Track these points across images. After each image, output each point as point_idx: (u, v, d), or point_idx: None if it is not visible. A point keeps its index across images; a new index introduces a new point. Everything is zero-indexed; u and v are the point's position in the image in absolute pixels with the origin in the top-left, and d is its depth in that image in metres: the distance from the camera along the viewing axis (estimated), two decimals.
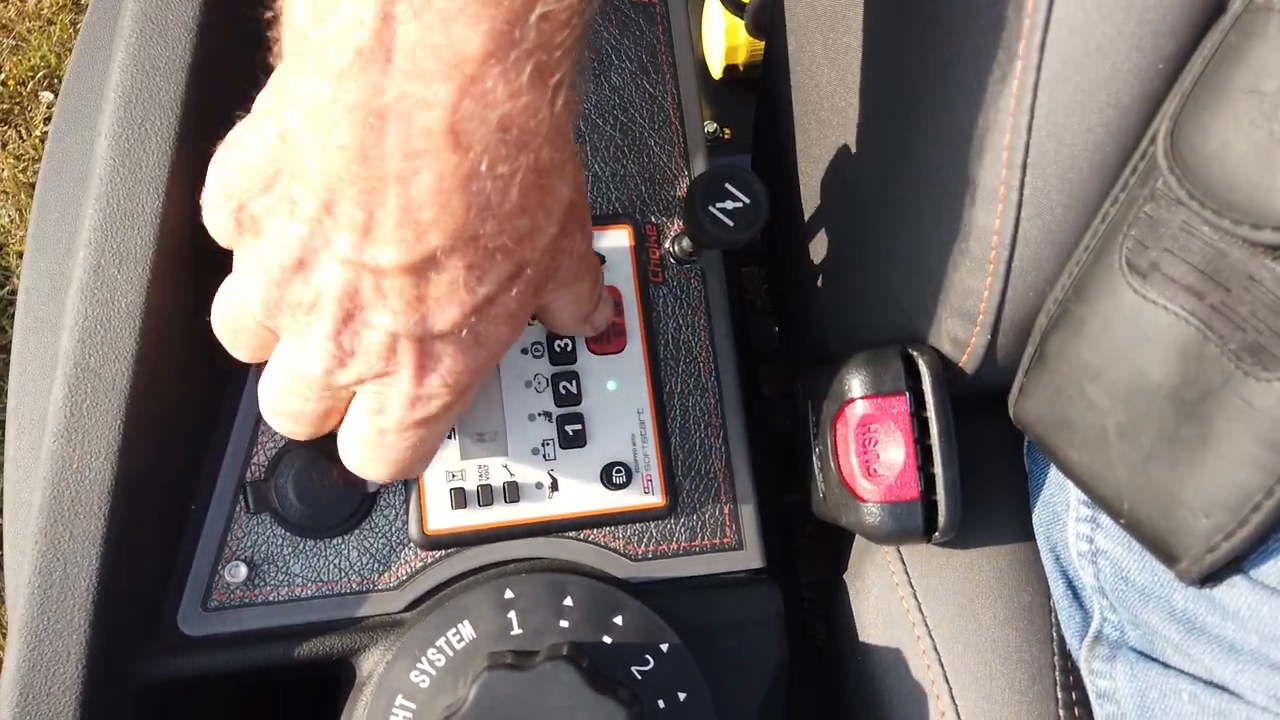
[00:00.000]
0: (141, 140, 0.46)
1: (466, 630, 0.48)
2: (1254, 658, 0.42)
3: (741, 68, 1.00)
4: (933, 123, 0.47)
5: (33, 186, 1.45)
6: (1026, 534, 0.56)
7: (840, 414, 0.53)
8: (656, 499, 0.55)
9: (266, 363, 0.51)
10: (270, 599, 0.51)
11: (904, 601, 0.55)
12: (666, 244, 0.57)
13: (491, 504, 0.53)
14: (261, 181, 0.38)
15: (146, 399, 0.47)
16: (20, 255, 1.42)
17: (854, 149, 0.55)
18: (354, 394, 0.42)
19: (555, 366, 0.55)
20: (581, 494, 0.54)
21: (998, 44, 0.42)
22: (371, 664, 0.51)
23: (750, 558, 0.55)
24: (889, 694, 0.54)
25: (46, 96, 1.51)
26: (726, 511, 0.56)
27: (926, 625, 0.54)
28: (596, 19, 0.38)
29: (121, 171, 0.46)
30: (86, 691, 0.45)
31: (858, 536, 0.60)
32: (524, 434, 0.54)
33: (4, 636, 1.21)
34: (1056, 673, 0.53)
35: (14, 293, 1.39)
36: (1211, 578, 0.42)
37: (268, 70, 0.39)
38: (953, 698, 0.52)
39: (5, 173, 1.47)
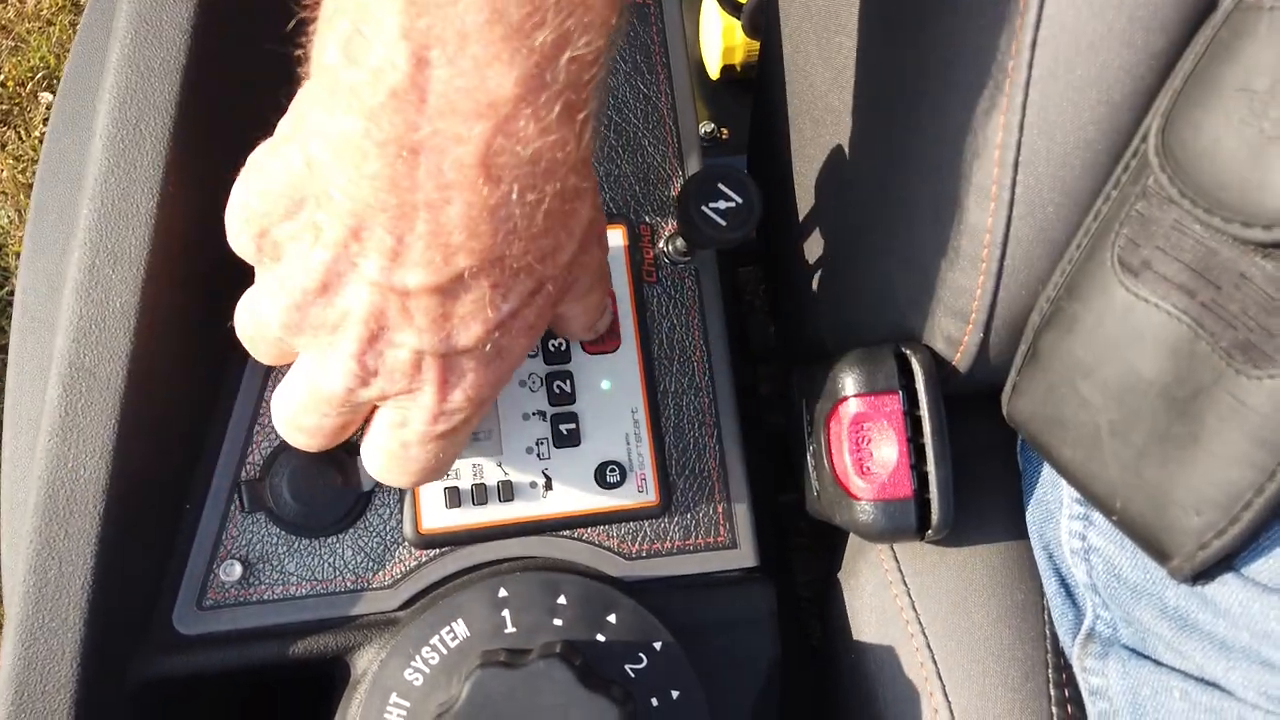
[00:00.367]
0: (136, 141, 0.47)
1: (460, 629, 0.49)
2: (1245, 655, 0.42)
3: (739, 68, 1.00)
4: (925, 121, 0.47)
5: (31, 188, 1.45)
6: (1019, 532, 0.56)
7: (834, 412, 0.53)
8: (650, 498, 0.55)
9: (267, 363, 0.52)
10: (265, 598, 0.51)
11: (898, 599, 0.55)
12: (661, 244, 0.58)
13: (486, 503, 0.53)
14: (284, 208, 0.39)
15: (141, 398, 0.47)
16: (19, 256, 1.42)
17: (848, 148, 0.55)
18: (371, 407, 0.43)
19: (549, 366, 0.55)
20: (575, 493, 0.54)
21: (989, 42, 0.42)
22: (366, 662, 0.51)
23: (744, 556, 0.56)
24: (883, 692, 0.54)
25: (46, 97, 1.51)
26: (720, 510, 0.56)
27: (920, 623, 0.54)
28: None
29: (116, 172, 0.46)
30: (82, 690, 0.45)
31: (852, 535, 0.60)
32: (518, 433, 0.54)
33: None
34: (1049, 670, 0.53)
35: (13, 293, 1.39)
36: (1203, 575, 0.42)
37: (265, 76, 0.39)
38: (946, 695, 0.52)
39: (4, 174, 1.47)
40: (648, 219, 0.58)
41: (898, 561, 0.56)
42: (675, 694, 0.49)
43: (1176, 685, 0.46)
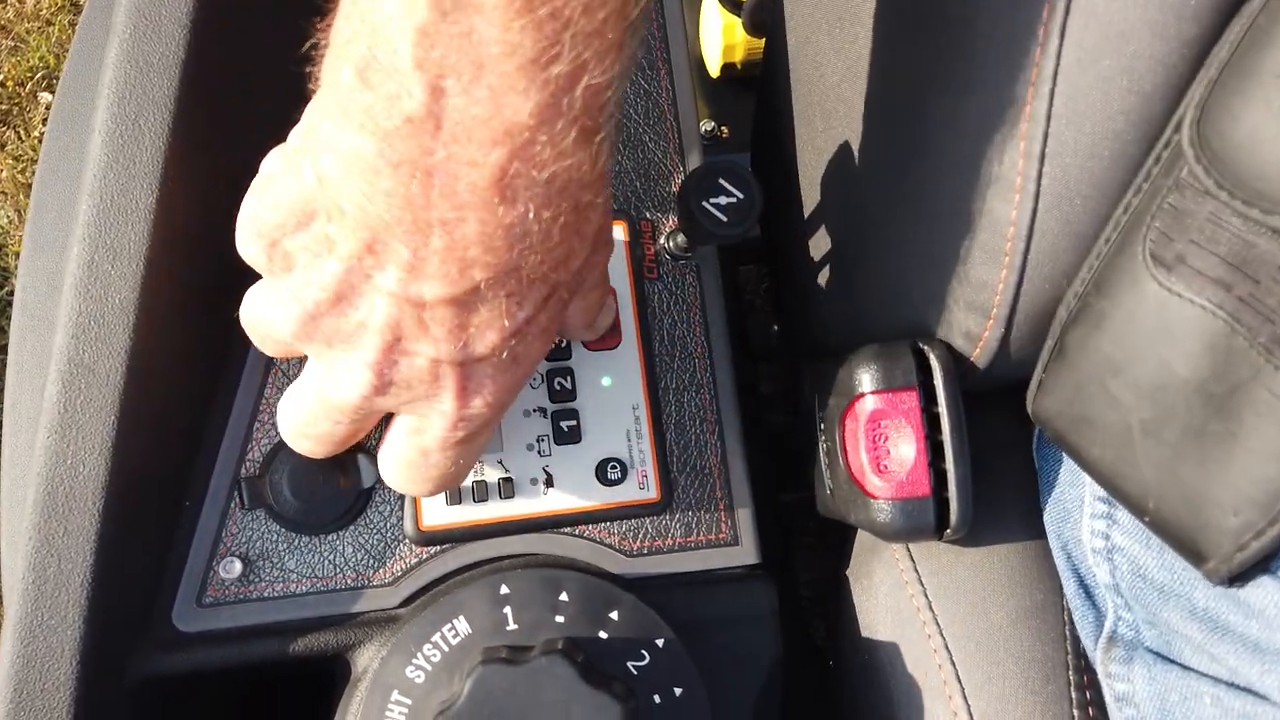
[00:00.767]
0: (135, 137, 0.46)
1: (462, 625, 0.48)
2: None
3: (739, 66, 1.00)
4: (946, 112, 0.46)
5: (31, 187, 1.45)
6: (1038, 531, 0.55)
7: (849, 409, 0.52)
8: (651, 495, 0.55)
9: (266, 359, 0.52)
10: (265, 595, 0.51)
11: (914, 600, 0.54)
12: (662, 240, 0.57)
13: (486, 500, 0.53)
14: (295, 220, 0.39)
15: (141, 395, 0.47)
16: (19, 256, 1.42)
17: (862, 141, 0.55)
18: (380, 415, 0.43)
19: (550, 363, 0.55)
20: (576, 490, 0.54)
21: (1015, 31, 0.41)
22: (367, 660, 0.51)
23: (745, 553, 0.55)
24: (898, 694, 0.54)
25: (45, 97, 1.51)
26: (721, 507, 0.56)
27: (938, 624, 0.53)
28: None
29: (115, 168, 0.46)
30: (81, 688, 0.45)
31: (859, 533, 0.60)
32: (519, 430, 0.54)
33: None
34: (1070, 672, 0.52)
35: (13, 293, 1.39)
36: (1239, 577, 0.41)
37: (263, 71, 0.39)
38: (965, 698, 0.51)
39: (4, 174, 1.47)
40: (649, 215, 0.58)
41: (913, 561, 0.55)
42: (678, 691, 0.49)
43: (1207, 690, 0.45)
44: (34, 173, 1.44)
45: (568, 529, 0.54)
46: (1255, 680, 0.43)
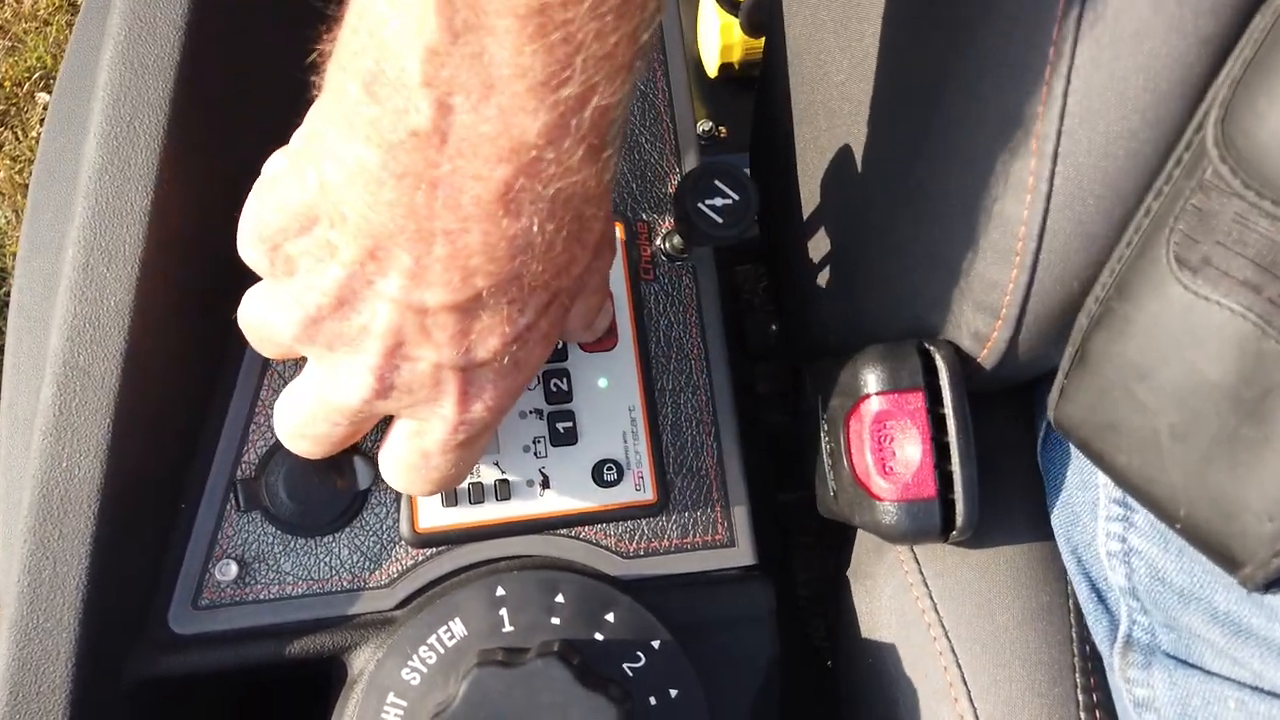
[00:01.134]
0: (130, 139, 0.46)
1: (458, 627, 0.48)
2: None
3: (737, 66, 1.00)
4: (957, 111, 0.46)
5: (28, 188, 1.45)
6: (1044, 533, 0.55)
7: (854, 410, 0.52)
8: (648, 496, 0.55)
9: (262, 360, 0.52)
10: (261, 597, 0.51)
11: (919, 602, 0.54)
12: (658, 241, 0.57)
13: (482, 502, 0.53)
14: (298, 225, 0.39)
15: (136, 397, 0.47)
16: (16, 256, 1.42)
17: (868, 140, 0.54)
18: (379, 417, 0.44)
19: (546, 364, 0.54)
20: (572, 491, 0.54)
21: (1029, 29, 0.41)
22: (363, 662, 0.51)
23: (742, 554, 0.55)
24: (904, 696, 0.54)
25: (43, 98, 1.51)
26: (718, 508, 0.56)
27: (943, 626, 0.53)
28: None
29: (110, 170, 0.46)
30: (77, 690, 0.45)
31: (861, 533, 0.60)
32: (515, 431, 0.54)
33: None
34: (1077, 674, 0.52)
35: (10, 294, 1.39)
36: (1275, 583, 0.40)
37: (259, 73, 0.39)
38: (971, 701, 0.51)
39: (2, 174, 1.47)
40: (645, 216, 0.58)
41: (918, 563, 0.55)
42: (674, 693, 0.49)
43: (1231, 695, 0.44)
44: (31, 173, 1.44)
45: (564, 530, 0.54)
46: None
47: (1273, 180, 0.36)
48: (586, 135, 0.33)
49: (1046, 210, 0.43)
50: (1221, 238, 0.38)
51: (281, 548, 0.52)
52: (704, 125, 1.02)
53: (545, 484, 0.54)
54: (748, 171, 0.63)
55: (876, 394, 0.51)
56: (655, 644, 0.49)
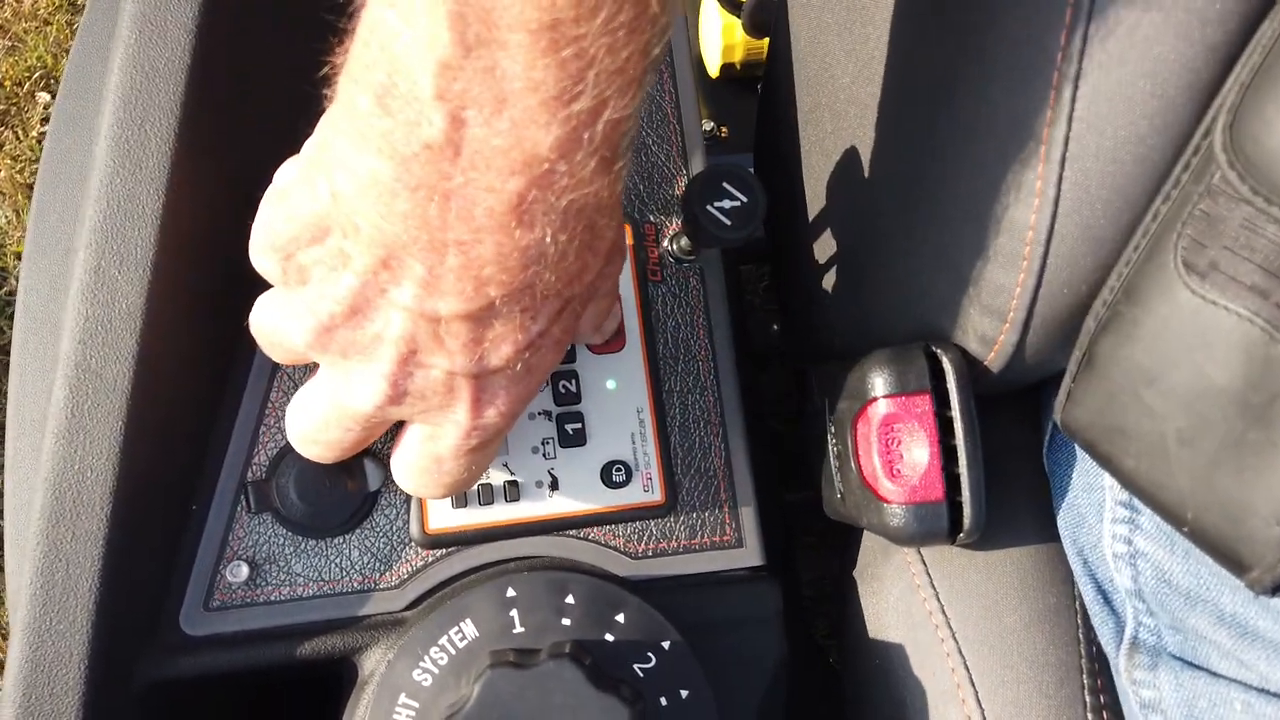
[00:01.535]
0: (141, 142, 0.46)
1: (469, 629, 0.49)
2: None
3: (739, 66, 1.00)
4: (965, 115, 0.46)
5: (30, 188, 1.45)
6: (1050, 534, 0.55)
7: (862, 413, 0.52)
8: (656, 497, 0.55)
9: (272, 363, 0.52)
10: (272, 598, 0.51)
11: (926, 604, 0.54)
12: (665, 243, 0.57)
13: (492, 503, 0.53)
14: (310, 234, 0.39)
15: (148, 400, 0.47)
16: (18, 256, 1.42)
17: (874, 142, 0.54)
18: (391, 423, 0.44)
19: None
20: (581, 492, 0.54)
21: (1036, 33, 0.41)
22: (373, 663, 0.51)
23: (750, 555, 0.56)
24: (911, 697, 0.54)
25: (43, 97, 1.51)
26: (726, 509, 0.56)
27: (950, 628, 0.53)
28: None
29: (121, 173, 0.46)
30: (90, 692, 0.45)
31: (866, 534, 0.60)
32: (524, 433, 0.54)
33: (4, 639, 1.21)
34: (1084, 676, 0.52)
35: (12, 294, 1.39)
36: None
37: (269, 76, 0.39)
38: (979, 702, 0.51)
39: (2, 174, 1.47)
40: (652, 218, 0.58)
41: (925, 564, 0.55)
42: (684, 693, 0.49)
43: (1238, 697, 0.44)
44: (32, 173, 1.44)
45: (573, 532, 0.54)
46: None
47: None
48: (599, 148, 0.33)
49: (1054, 215, 0.43)
50: (1229, 243, 0.39)
51: (292, 549, 0.52)
52: (705, 125, 1.02)
53: (554, 485, 0.54)
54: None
55: (884, 397, 0.51)
56: (665, 645, 0.49)
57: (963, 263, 0.48)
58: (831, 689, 0.66)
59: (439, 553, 0.53)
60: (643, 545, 0.55)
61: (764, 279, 1.23)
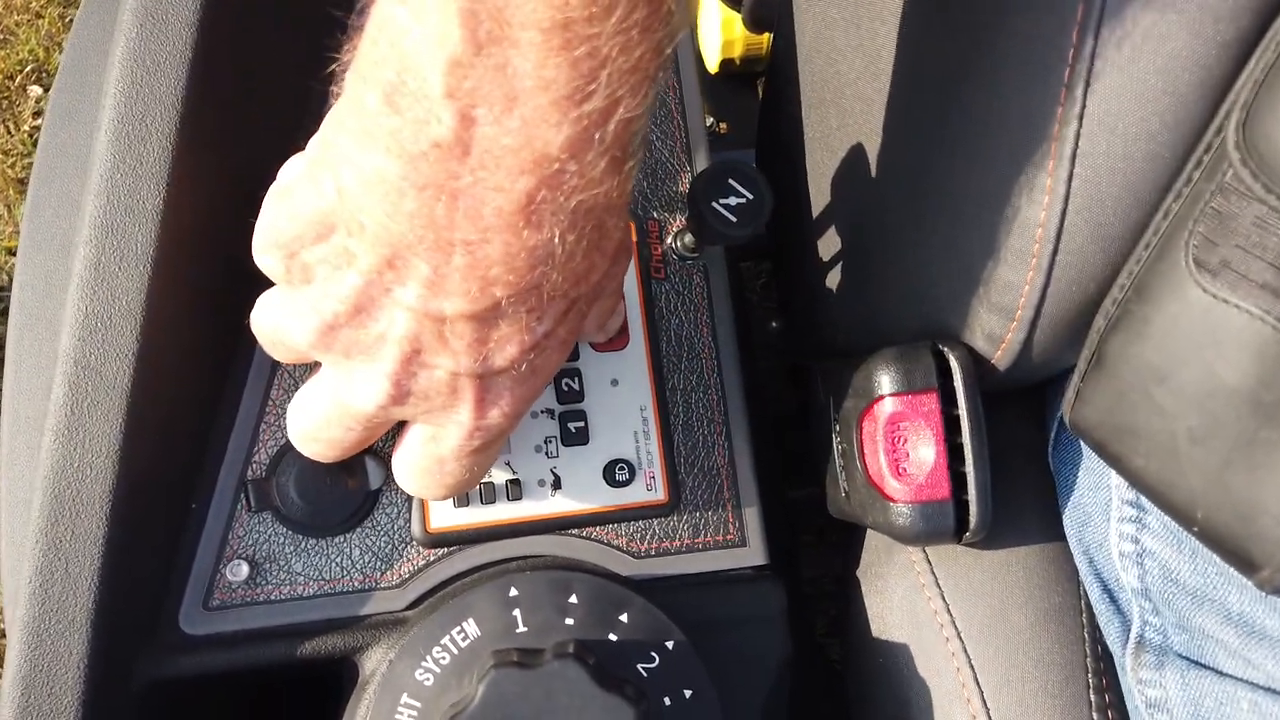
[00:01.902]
0: (142, 137, 0.46)
1: (471, 628, 0.48)
2: None
3: (738, 62, 1.00)
4: (974, 112, 0.46)
5: (21, 181, 1.44)
6: (1056, 533, 0.55)
7: (868, 411, 0.52)
8: (659, 496, 0.55)
9: (274, 361, 0.51)
10: (272, 598, 0.51)
11: (931, 603, 0.54)
12: (669, 240, 0.57)
13: (494, 502, 0.53)
14: (314, 232, 0.39)
15: (147, 397, 0.46)
16: (9, 251, 1.41)
17: (882, 139, 0.54)
18: (394, 422, 0.44)
19: None
20: (584, 491, 0.54)
21: (1048, 31, 0.41)
22: (374, 662, 0.50)
23: (753, 554, 0.55)
24: (915, 696, 0.54)
25: (35, 91, 1.50)
26: (729, 508, 0.55)
27: (956, 627, 0.53)
28: None
29: (122, 168, 0.46)
30: (89, 691, 0.45)
31: (869, 533, 0.60)
32: (526, 431, 0.54)
33: (1, 636, 1.20)
34: (1089, 675, 0.52)
35: (4, 288, 1.38)
36: None
37: (271, 72, 0.39)
38: (984, 701, 0.51)
39: None
40: (656, 215, 0.57)
41: (930, 563, 0.55)
42: (688, 693, 0.49)
43: (1244, 696, 0.44)
44: (24, 167, 1.43)
45: (575, 530, 0.54)
46: None
47: None
48: (610, 148, 0.33)
49: (1064, 212, 0.43)
50: (1241, 241, 0.39)
51: (292, 548, 0.51)
52: (705, 121, 1.02)
53: (557, 484, 0.54)
54: None
55: (890, 395, 0.51)
56: (669, 644, 0.49)
57: (971, 259, 0.47)
58: (834, 687, 0.66)
59: (440, 552, 0.53)
60: (646, 544, 0.54)
61: (761, 276, 1.23)
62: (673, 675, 0.49)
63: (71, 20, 1.50)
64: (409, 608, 0.52)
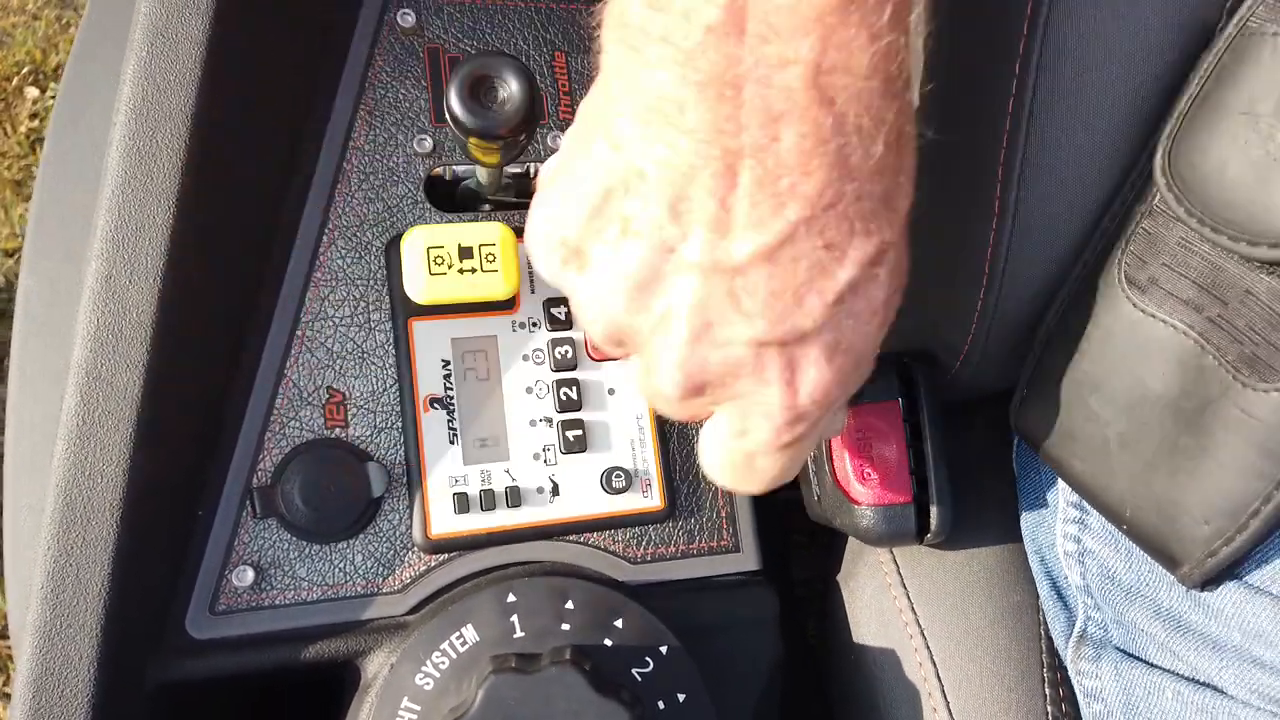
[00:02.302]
0: (152, 153, 0.47)
1: (470, 633, 0.49)
2: (1237, 654, 0.43)
3: None
4: (932, 139, 0.48)
5: (18, 184, 1.45)
6: (1015, 535, 0.57)
7: None
8: (655, 503, 0.56)
9: (277, 367, 0.52)
10: (277, 603, 0.52)
11: (897, 601, 0.56)
12: None
13: (494, 509, 0.54)
14: (588, 209, 0.36)
15: (156, 406, 0.47)
16: (7, 253, 1.41)
17: None
18: (709, 414, 0.40)
19: (557, 373, 0.55)
20: (582, 498, 0.55)
21: (993, 62, 0.43)
22: (376, 666, 0.51)
23: (746, 559, 0.57)
24: (884, 691, 0.56)
25: (31, 92, 1.51)
26: (723, 514, 0.57)
27: (919, 625, 0.55)
28: None
29: (133, 183, 0.47)
30: (99, 694, 0.46)
31: (850, 538, 0.62)
32: (526, 439, 0.55)
33: (4, 638, 1.21)
34: (1044, 669, 0.54)
35: (1, 291, 1.39)
36: (1210, 581, 0.43)
37: (280, 86, 0.39)
38: (944, 695, 0.53)
39: None
40: None
41: (897, 565, 0.57)
42: (682, 697, 0.50)
43: (1169, 685, 0.47)
44: (21, 169, 1.44)
45: (573, 537, 0.55)
46: (1214, 675, 0.45)
47: (1212, 209, 0.39)
48: None
49: (1011, 232, 0.45)
50: (1167, 260, 0.41)
51: (297, 554, 0.52)
52: None
53: (555, 491, 0.55)
54: None
55: (856, 404, 0.53)
56: (663, 650, 0.50)
57: (928, 278, 0.49)
58: (823, 689, 0.67)
59: (441, 558, 0.54)
60: (642, 550, 0.56)
61: None
62: (667, 680, 0.50)
63: (68, 23, 1.51)
64: (410, 613, 0.53)
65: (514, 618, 0.50)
